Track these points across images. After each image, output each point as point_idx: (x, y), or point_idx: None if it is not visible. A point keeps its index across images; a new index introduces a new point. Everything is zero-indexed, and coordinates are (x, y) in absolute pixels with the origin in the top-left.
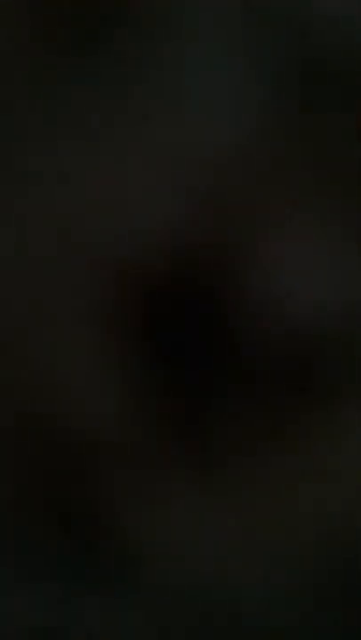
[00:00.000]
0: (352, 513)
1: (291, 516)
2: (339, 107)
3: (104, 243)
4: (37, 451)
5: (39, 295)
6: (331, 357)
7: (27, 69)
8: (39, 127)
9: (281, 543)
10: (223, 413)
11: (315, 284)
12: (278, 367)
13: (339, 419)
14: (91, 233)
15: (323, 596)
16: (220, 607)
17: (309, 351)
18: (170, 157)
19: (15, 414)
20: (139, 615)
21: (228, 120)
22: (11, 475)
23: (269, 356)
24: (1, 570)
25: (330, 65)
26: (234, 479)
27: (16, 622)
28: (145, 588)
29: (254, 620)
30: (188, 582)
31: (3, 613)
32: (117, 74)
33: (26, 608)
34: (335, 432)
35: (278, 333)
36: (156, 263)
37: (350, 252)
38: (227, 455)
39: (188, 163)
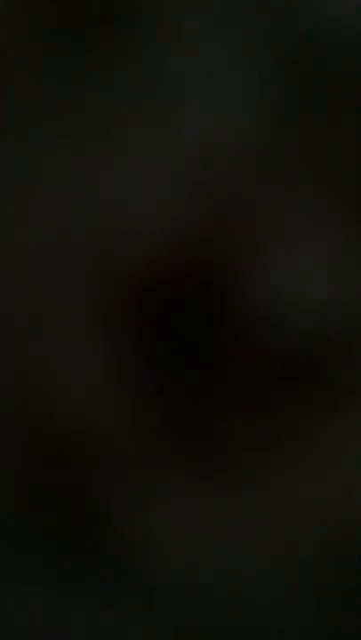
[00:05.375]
0: (353, 513)
1: (291, 516)
2: (339, 107)
3: (104, 243)
4: (36, 450)
5: (39, 295)
6: (331, 357)
7: (26, 69)
8: (39, 127)
9: (281, 543)
10: (223, 413)
11: (315, 284)
12: (278, 367)
13: (339, 419)
14: (90, 233)
15: (323, 595)
16: (220, 606)
17: (310, 351)
18: (170, 157)
19: (15, 415)
20: (139, 615)
21: (229, 120)
22: (10, 475)
23: (269, 356)
24: (0, 570)
25: (330, 65)
26: (234, 479)
27: (15, 622)
28: (145, 588)
29: (254, 620)
30: (187, 582)
31: (2, 613)
32: (117, 74)
33: (25, 608)
34: (336, 432)
35: (278, 333)
36: (156, 263)
37: (350, 252)
38: (227, 455)
39: (189, 163)
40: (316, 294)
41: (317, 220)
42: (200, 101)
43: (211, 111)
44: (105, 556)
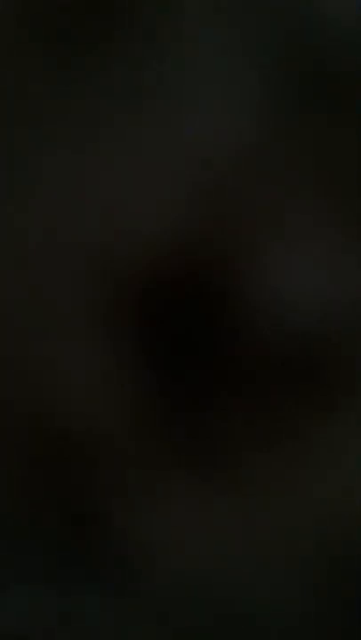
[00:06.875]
0: (353, 513)
1: (291, 516)
2: (339, 107)
3: (104, 243)
4: (36, 450)
5: (39, 295)
6: (331, 357)
7: (26, 69)
8: (39, 127)
9: (281, 543)
10: (223, 413)
11: (315, 284)
12: (278, 367)
13: (339, 419)
14: (90, 233)
15: (323, 595)
16: (220, 607)
17: (310, 351)
18: (170, 157)
19: (15, 415)
20: (139, 615)
21: (228, 120)
22: (10, 475)
23: (269, 356)
24: (0, 570)
25: (330, 65)
26: (234, 479)
27: (16, 622)
28: (145, 588)
29: (254, 620)
30: (187, 582)
31: (2, 613)
32: (117, 74)
33: (25, 608)
34: (336, 432)
35: (278, 334)
36: (156, 263)
37: (350, 252)
38: (227, 455)
39: (189, 163)
40: (316, 294)
41: (317, 220)
42: (200, 101)
43: (211, 111)
44: (105, 555)
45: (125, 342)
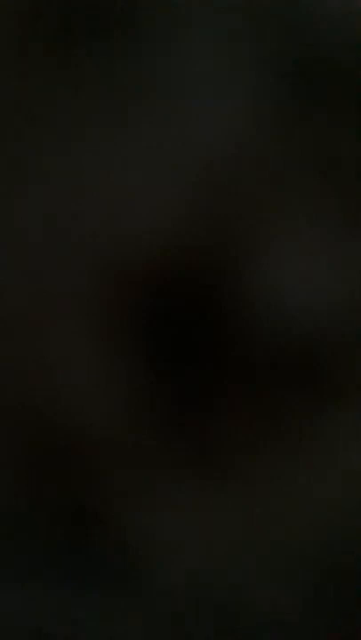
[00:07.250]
0: (352, 513)
1: (291, 515)
2: (339, 106)
3: (104, 243)
4: (37, 450)
5: (39, 295)
6: (331, 357)
7: (27, 69)
8: (39, 127)
9: (281, 543)
10: (223, 413)
11: (315, 283)
12: (278, 367)
13: (339, 418)
14: (91, 233)
15: (323, 595)
16: (220, 607)
17: (309, 351)
18: (170, 157)
19: (15, 415)
20: (139, 615)
21: (229, 119)
22: (10, 474)
23: (269, 355)
24: (0, 570)
25: (330, 65)
26: (234, 479)
27: (15, 623)
28: (145, 588)
29: (254, 619)
30: (188, 582)
31: (2, 614)
32: (118, 74)
33: (25, 608)
34: (335, 432)
35: (278, 333)
36: (156, 263)
37: (350, 252)
38: (227, 455)
39: (189, 162)
40: (316, 294)
41: (317, 220)
42: (200, 101)
43: (211, 111)
44: (105, 555)
45: (125, 342)
